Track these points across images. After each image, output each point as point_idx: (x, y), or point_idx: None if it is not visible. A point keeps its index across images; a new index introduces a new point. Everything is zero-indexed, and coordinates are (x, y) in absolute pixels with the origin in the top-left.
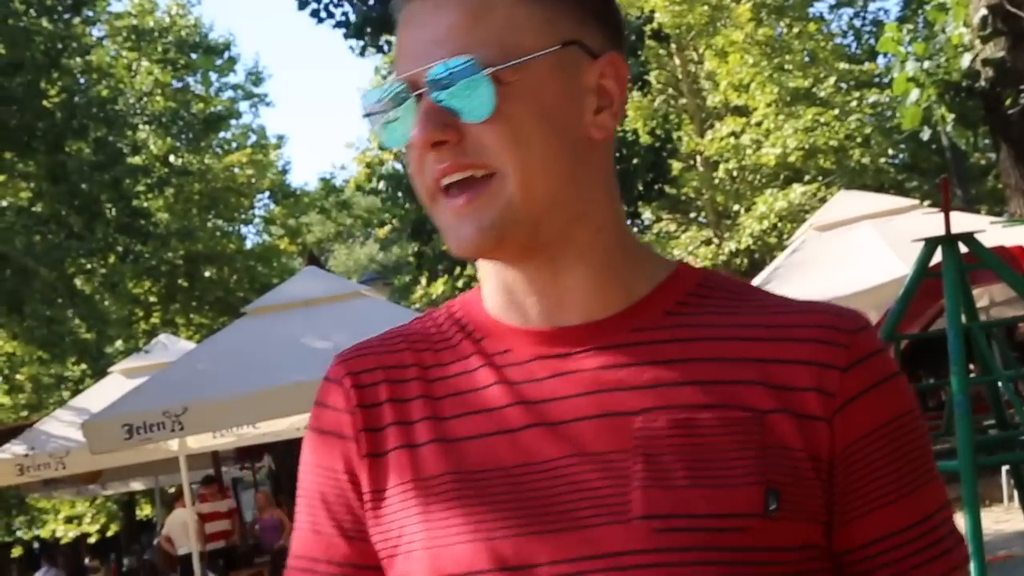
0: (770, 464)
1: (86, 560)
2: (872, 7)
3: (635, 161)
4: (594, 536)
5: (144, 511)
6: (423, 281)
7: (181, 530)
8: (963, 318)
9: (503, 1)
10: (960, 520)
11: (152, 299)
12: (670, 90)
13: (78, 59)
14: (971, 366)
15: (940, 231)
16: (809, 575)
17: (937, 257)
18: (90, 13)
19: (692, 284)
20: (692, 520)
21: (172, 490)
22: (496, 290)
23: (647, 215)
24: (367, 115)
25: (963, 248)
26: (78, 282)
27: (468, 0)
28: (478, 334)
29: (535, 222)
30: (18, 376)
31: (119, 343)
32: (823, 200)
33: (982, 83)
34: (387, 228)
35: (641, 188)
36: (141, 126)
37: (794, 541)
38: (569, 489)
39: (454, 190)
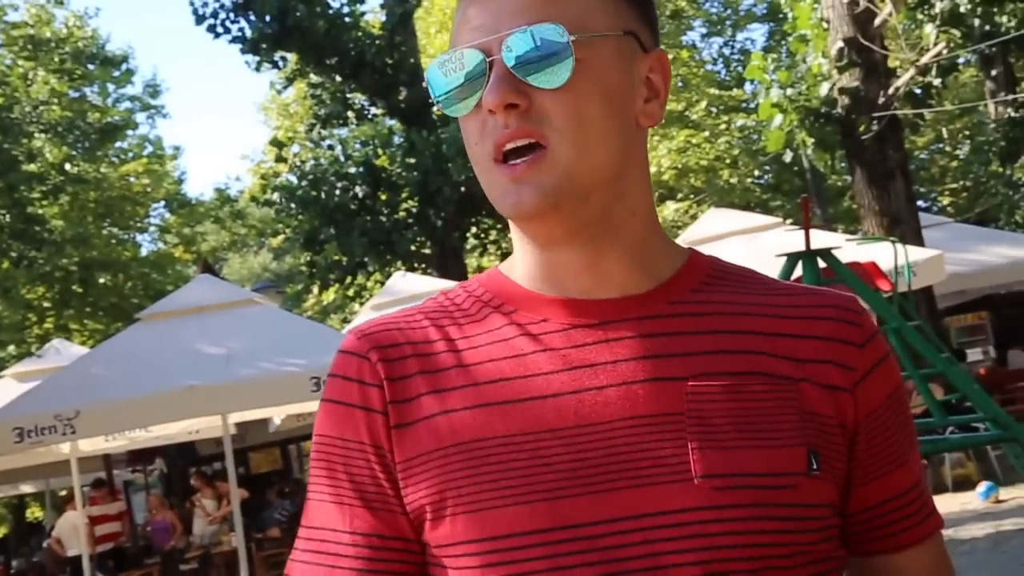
0: (809, 428)
1: None
2: (740, 37)
3: None
4: (656, 494)
5: (34, 513)
6: (315, 290)
7: (71, 532)
8: None
9: None
10: None
11: (46, 304)
12: None
13: None
14: None
15: (801, 247)
16: (830, 531)
17: (798, 271)
18: None
19: (708, 268)
20: (748, 478)
21: (63, 493)
22: (535, 264)
23: None
24: (429, 84)
25: (821, 263)
26: None
27: None
28: (509, 307)
29: (585, 195)
30: None
31: (11, 348)
32: (694, 217)
33: (839, 110)
34: (280, 238)
35: None
36: (37, 134)
37: (827, 499)
38: (628, 450)
39: (512, 157)
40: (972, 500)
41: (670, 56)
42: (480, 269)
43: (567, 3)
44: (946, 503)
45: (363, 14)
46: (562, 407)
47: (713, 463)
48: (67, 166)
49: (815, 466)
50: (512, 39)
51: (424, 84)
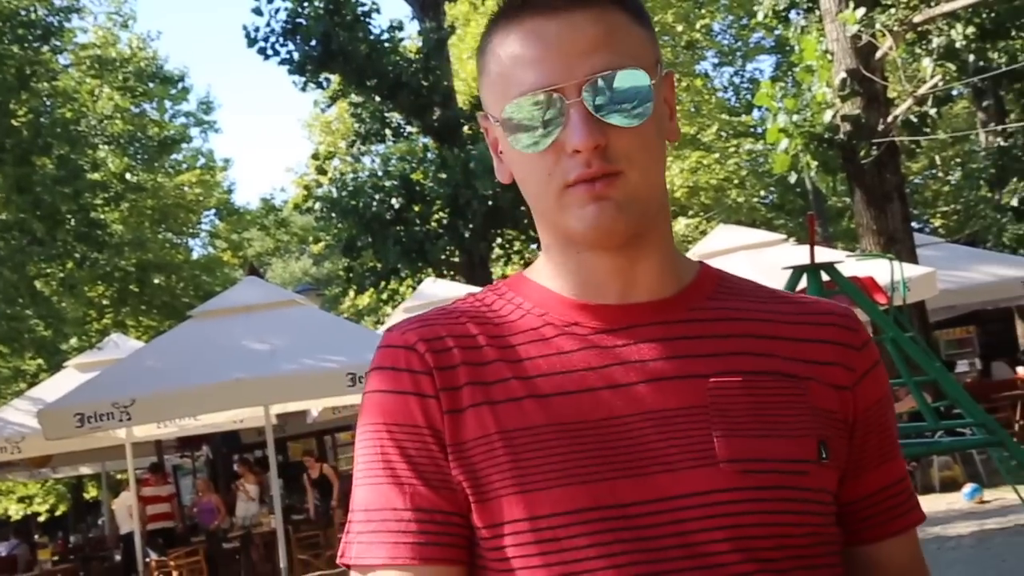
0: (818, 421)
1: (35, 536)
2: (749, 67)
3: None
4: (686, 478)
5: (91, 493)
6: (351, 293)
7: (125, 511)
8: None
9: (624, 20)
10: None
11: (105, 302)
12: None
13: (45, 83)
14: None
15: (805, 261)
16: (831, 515)
17: (802, 283)
18: (58, 43)
19: (718, 277)
20: (768, 464)
21: (118, 475)
22: (570, 272)
23: None
24: (496, 118)
25: (824, 276)
26: (38, 284)
27: (600, 20)
28: (540, 310)
29: (645, 212)
30: None
31: (73, 340)
32: (704, 232)
33: (841, 136)
34: (320, 245)
35: None
36: (101, 146)
37: (832, 485)
38: (658, 438)
39: (586, 184)
40: (958, 500)
41: (684, 84)
42: (504, 276)
43: (626, 42)
44: (933, 503)
45: (401, 40)
46: (598, 401)
47: (736, 450)
48: (127, 175)
49: (824, 455)
50: (595, 85)
51: (458, 105)
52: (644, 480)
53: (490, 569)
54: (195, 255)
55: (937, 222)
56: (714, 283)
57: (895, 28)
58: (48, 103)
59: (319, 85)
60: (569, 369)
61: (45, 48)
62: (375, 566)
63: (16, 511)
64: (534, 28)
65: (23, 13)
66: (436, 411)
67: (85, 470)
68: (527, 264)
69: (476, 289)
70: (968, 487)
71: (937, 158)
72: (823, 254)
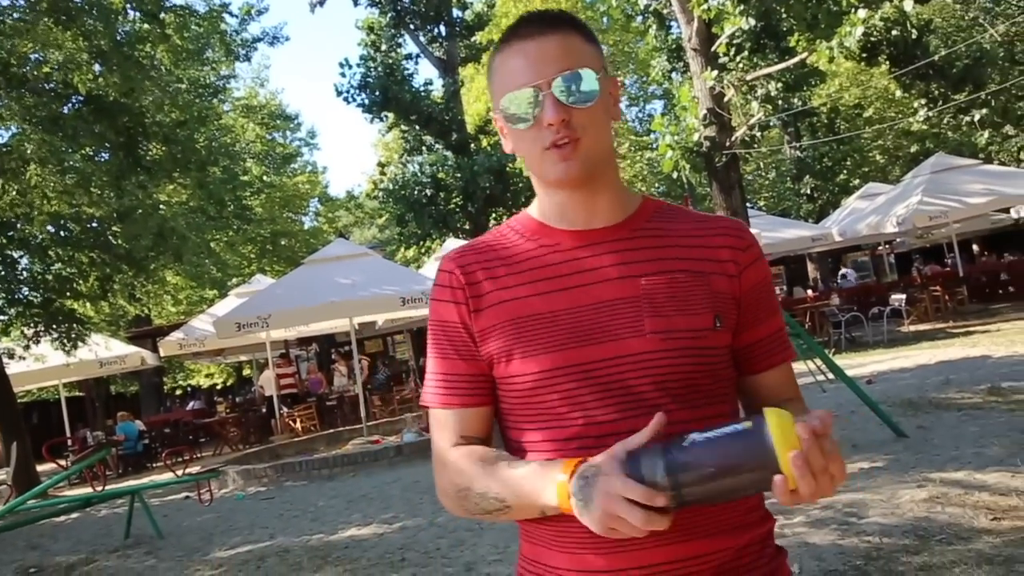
0: (715, 301)
1: (215, 398)
2: (648, 107)
3: (520, 185)
4: (626, 344)
5: (247, 372)
6: (402, 249)
7: (268, 382)
8: None
9: (576, 40)
10: None
11: (252, 256)
12: None
13: (215, 122)
14: None
15: None
16: (725, 361)
17: None
18: (222, 96)
19: (655, 206)
20: (680, 332)
21: (262, 360)
22: (551, 207)
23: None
24: (505, 111)
25: None
26: (212, 244)
27: (561, 41)
28: (536, 237)
29: (597, 163)
30: (180, 296)
31: (234, 279)
32: None
33: (704, 148)
34: (383, 219)
35: (523, 200)
36: (248, 160)
37: (725, 343)
38: (609, 318)
39: (557, 147)
40: None
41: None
42: None
43: (583, 53)
44: None
45: (431, 90)
46: (571, 295)
47: (658, 324)
48: (264, 178)
49: (718, 324)
50: (558, 81)
51: (467, 131)
52: (599, 346)
53: (508, 401)
54: (306, 226)
55: (762, 202)
56: (651, 210)
57: (735, 83)
58: (216, 133)
59: (381, 119)
60: (552, 276)
61: (215, 100)
62: (430, 405)
63: (203, 382)
64: (520, 48)
65: (202, 79)
66: (466, 312)
67: (243, 357)
68: None
69: None
70: None
71: (761, 163)
72: None
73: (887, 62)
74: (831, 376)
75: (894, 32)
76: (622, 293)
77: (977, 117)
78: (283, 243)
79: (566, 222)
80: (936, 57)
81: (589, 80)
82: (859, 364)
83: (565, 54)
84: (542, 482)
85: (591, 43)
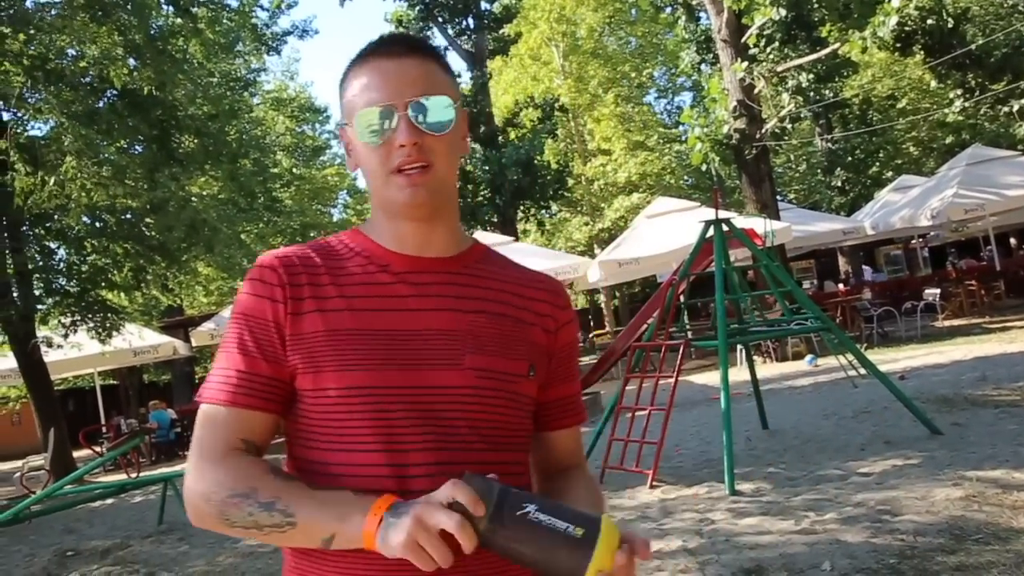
0: (531, 351)
1: None
2: (677, 99)
3: (548, 177)
4: (442, 375)
5: None
6: None
7: None
8: (723, 265)
9: (436, 68)
10: (718, 373)
11: (282, 247)
12: (568, 139)
13: (246, 115)
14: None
15: (712, 217)
16: (529, 412)
17: (710, 232)
18: (253, 90)
19: (484, 249)
20: (495, 373)
21: None
22: (389, 231)
23: (554, 207)
24: (351, 124)
25: (724, 228)
26: (243, 236)
27: (421, 65)
28: (366, 254)
29: (442, 193)
30: (211, 287)
31: None
32: (649, 201)
33: (734, 141)
34: None
35: (551, 193)
36: (278, 152)
37: (533, 392)
38: (428, 346)
39: (406, 172)
40: (802, 365)
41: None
42: (525, 232)
43: (439, 80)
44: (788, 367)
45: (459, 83)
46: (392, 317)
47: (477, 361)
48: (294, 170)
49: (532, 373)
50: (416, 104)
51: (495, 123)
52: (415, 372)
53: (308, 417)
54: (335, 218)
55: (792, 195)
56: (480, 253)
57: (766, 75)
58: (247, 126)
59: None
60: (378, 295)
61: (246, 93)
62: (214, 402)
63: None
64: (378, 65)
65: (233, 73)
66: (282, 313)
67: None
68: (540, 223)
69: (507, 239)
70: (809, 357)
71: (791, 156)
72: (724, 214)
73: (922, 52)
74: (863, 371)
75: (929, 21)
76: (447, 325)
77: (1016, 107)
78: (312, 235)
79: (398, 245)
80: (973, 46)
81: (446, 108)
82: (892, 359)
83: (424, 78)
84: (351, 507)
85: (448, 72)
